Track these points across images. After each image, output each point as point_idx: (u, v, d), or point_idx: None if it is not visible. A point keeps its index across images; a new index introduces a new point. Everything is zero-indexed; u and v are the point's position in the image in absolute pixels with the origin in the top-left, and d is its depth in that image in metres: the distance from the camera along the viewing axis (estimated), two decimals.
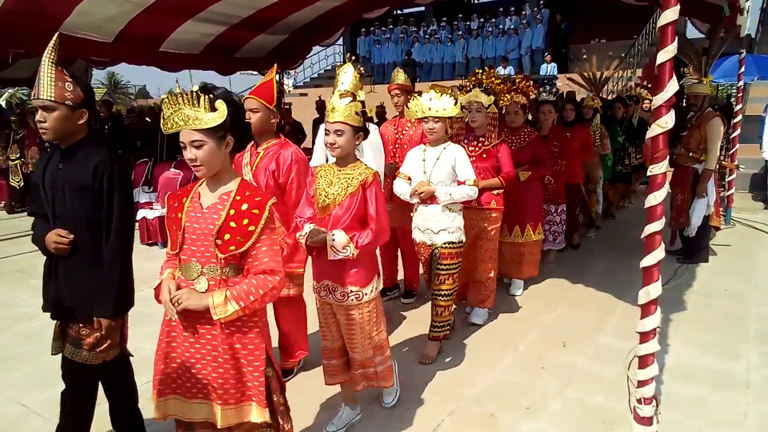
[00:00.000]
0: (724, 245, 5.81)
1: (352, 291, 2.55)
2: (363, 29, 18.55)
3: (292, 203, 2.91)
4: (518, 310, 4.32)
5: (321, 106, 10.32)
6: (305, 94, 17.01)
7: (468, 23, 17.49)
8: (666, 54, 2.42)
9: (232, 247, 1.89)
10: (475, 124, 3.85)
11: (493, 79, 3.93)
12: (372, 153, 3.62)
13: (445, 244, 3.33)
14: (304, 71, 20.71)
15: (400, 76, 4.21)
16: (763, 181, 8.19)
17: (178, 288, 1.94)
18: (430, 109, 3.21)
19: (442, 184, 3.29)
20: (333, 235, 2.48)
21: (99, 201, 2.19)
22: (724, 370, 3.32)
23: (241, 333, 1.97)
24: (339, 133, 2.49)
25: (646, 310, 2.62)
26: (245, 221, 1.89)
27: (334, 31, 8.34)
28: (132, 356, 2.52)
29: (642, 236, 2.60)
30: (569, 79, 8.28)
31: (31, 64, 9.30)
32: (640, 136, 7.34)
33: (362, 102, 2.54)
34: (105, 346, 2.28)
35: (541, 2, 16.25)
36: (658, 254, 2.56)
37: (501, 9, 17.41)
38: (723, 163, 6.33)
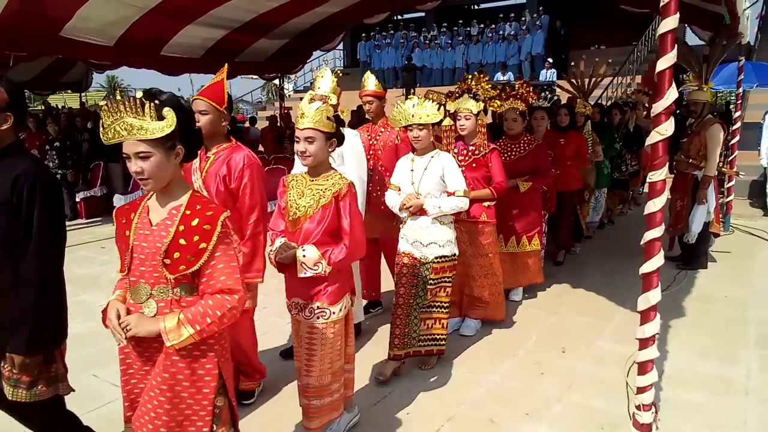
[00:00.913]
0: (723, 252, 5.81)
1: (318, 308, 2.40)
2: (363, 34, 18.61)
3: (245, 210, 2.75)
4: (517, 315, 4.32)
5: None
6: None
7: (468, 29, 17.54)
8: (666, 62, 2.43)
9: (183, 267, 1.72)
10: (464, 131, 3.72)
11: (482, 84, 3.80)
12: (354, 161, 3.48)
13: (436, 258, 3.19)
14: (304, 76, 20.73)
15: (370, 83, 3.99)
16: (762, 187, 8.21)
17: (129, 312, 1.78)
18: (413, 116, 3.08)
19: (431, 195, 3.17)
20: (303, 250, 2.34)
21: (18, 216, 1.91)
22: (724, 376, 3.32)
23: (192, 358, 1.77)
24: (309, 140, 2.33)
25: (645, 316, 2.62)
26: (196, 238, 1.72)
27: (334, 36, 8.38)
28: (72, 391, 2.15)
29: (641, 243, 2.61)
30: (558, 86, 8.30)
31: (32, 67, 9.34)
32: (636, 142, 7.34)
33: (334, 106, 2.40)
34: (34, 385, 1.99)
35: (541, 8, 16.32)
36: (657, 261, 2.56)
37: (501, 15, 17.47)
38: (722, 169, 6.34)
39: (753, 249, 6.11)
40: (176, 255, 1.73)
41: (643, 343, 2.64)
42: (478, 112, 3.68)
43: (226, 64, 2.86)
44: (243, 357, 3.01)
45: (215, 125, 2.73)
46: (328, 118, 2.34)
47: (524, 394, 3.16)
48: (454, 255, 3.27)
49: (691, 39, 7.01)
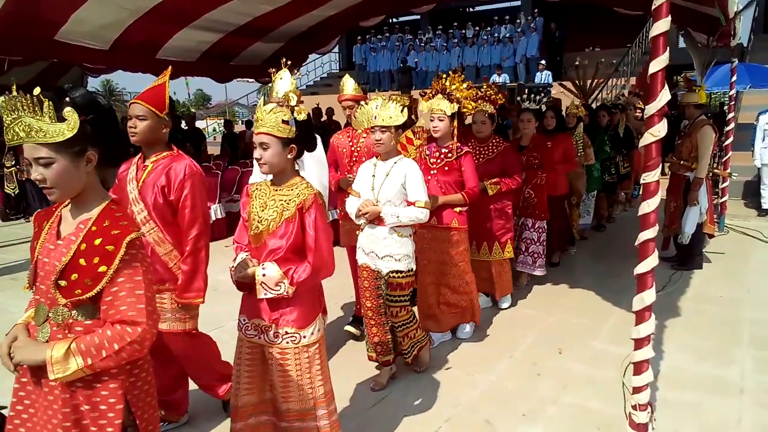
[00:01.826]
0: (717, 252, 5.84)
1: (287, 333, 2.16)
2: (359, 37, 18.62)
3: (185, 224, 2.54)
4: (513, 317, 4.33)
5: (316, 113, 10.37)
6: (301, 102, 17.02)
7: (463, 31, 17.60)
8: (658, 64, 2.45)
9: (78, 291, 1.50)
10: (437, 133, 3.56)
11: (457, 85, 3.58)
12: (315, 167, 3.20)
13: (391, 273, 3.02)
14: (300, 79, 20.74)
15: (348, 86, 3.85)
16: (757, 188, 8.26)
17: (29, 336, 1.59)
18: (375, 117, 2.93)
19: (391, 203, 2.98)
20: (264, 269, 2.11)
21: None
22: (719, 376, 3.34)
23: (90, 389, 1.54)
24: (264, 146, 2.12)
25: (640, 316, 2.64)
26: (96, 260, 1.50)
27: (330, 39, 8.40)
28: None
29: (636, 243, 2.62)
30: (561, 84, 8.33)
31: (27, 71, 9.31)
32: (626, 144, 7.30)
33: (292, 108, 2.19)
34: None
35: (536, 11, 16.38)
36: (651, 261, 2.58)
37: (496, 17, 17.53)
38: (716, 171, 6.37)
39: (747, 249, 6.14)
40: (74, 277, 1.51)
41: (639, 344, 2.65)
42: (452, 114, 3.51)
43: (170, 67, 2.70)
44: (204, 379, 2.85)
45: (154, 132, 2.54)
46: (284, 121, 2.12)
47: (521, 395, 3.17)
48: (411, 271, 3.09)
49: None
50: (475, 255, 4.19)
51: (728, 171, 6.91)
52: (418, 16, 18.64)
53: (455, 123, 3.55)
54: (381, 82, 17.75)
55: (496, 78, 14.32)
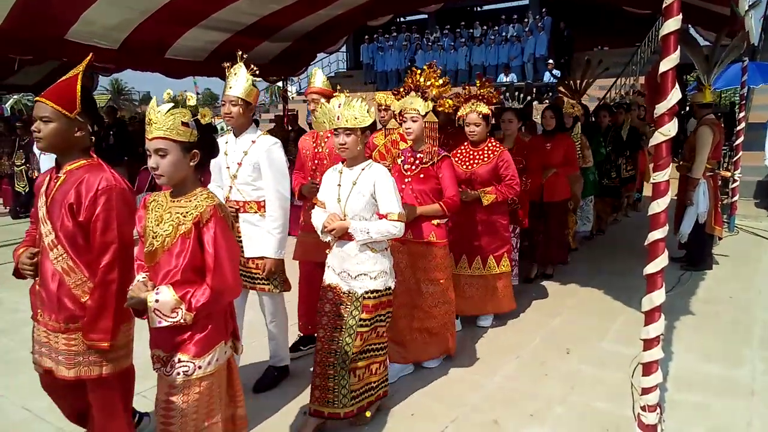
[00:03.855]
0: (727, 253, 5.79)
1: (181, 361, 1.92)
2: (366, 36, 18.62)
3: (95, 251, 2.11)
4: (520, 317, 4.31)
5: None
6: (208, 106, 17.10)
7: (471, 31, 17.55)
8: (668, 63, 2.43)
9: None
10: (410, 135, 3.21)
11: (432, 80, 3.24)
12: (272, 175, 2.93)
13: (367, 294, 2.65)
14: (307, 78, 20.79)
15: (317, 79, 3.47)
16: (767, 188, 8.18)
17: None
18: (338, 118, 2.57)
19: (360, 216, 2.63)
20: (157, 294, 1.86)
21: None
22: (729, 377, 3.31)
23: None
24: (161, 153, 1.86)
25: (650, 317, 2.62)
26: None
27: (338, 38, 8.40)
28: None
29: (645, 243, 2.61)
30: (556, 87, 8.22)
31: (38, 71, 9.39)
32: (631, 146, 6.90)
33: (193, 108, 1.93)
34: None
35: (544, 10, 16.31)
36: (661, 261, 2.56)
37: (503, 17, 17.48)
38: (720, 171, 6.29)
39: (758, 250, 6.09)
40: None
41: (648, 344, 2.64)
42: (426, 113, 3.16)
43: (91, 54, 2.35)
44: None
45: (64, 136, 2.13)
46: (183, 123, 1.87)
47: (528, 395, 3.16)
48: (389, 289, 2.74)
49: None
50: (467, 271, 3.90)
51: (730, 171, 6.83)
52: (426, 16, 18.60)
53: (430, 123, 3.18)
54: (388, 81, 17.74)
55: (503, 78, 14.27)
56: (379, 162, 3.56)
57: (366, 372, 2.75)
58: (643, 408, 2.67)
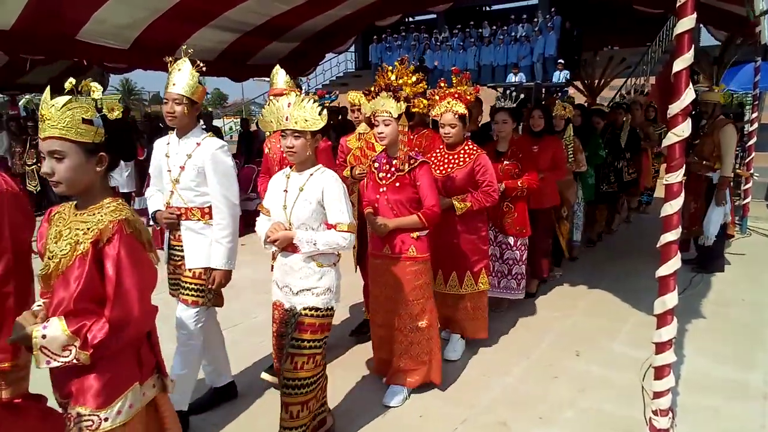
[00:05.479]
0: (739, 254, 5.74)
1: (80, 415, 1.59)
2: (375, 36, 18.63)
3: None
4: (530, 318, 4.29)
5: (331, 111, 10.37)
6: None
7: (480, 30, 17.51)
8: (682, 62, 2.41)
9: None
10: (383, 140, 2.90)
11: (405, 78, 2.96)
12: (218, 181, 2.68)
13: (306, 310, 2.39)
14: (316, 78, 20.80)
15: (279, 79, 3.24)
16: None
17: None
18: (287, 119, 2.34)
19: (306, 226, 2.39)
20: (44, 328, 1.53)
21: None
22: (741, 381, 3.27)
23: None
24: (57, 156, 1.56)
25: (662, 320, 2.59)
26: None
27: (346, 38, 8.41)
28: None
29: (657, 245, 2.58)
30: (571, 84, 8.18)
31: (50, 70, 9.46)
32: (631, 148, 6.55)
33: (95, 102, 1.63)
34: None
35: (553, 10, 16.24)
36: (674, 264, 2.54)
37: (512, 16, 17.42)
38: (737, 171, 6.24)
39: None
40: None
41: (660, 347, 2.61)
42: (399, 115, 2.87)
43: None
44: None
45: None
46: (85, 120, 1.57)
47: (537, 397, 3.14)
48: (330, 310, 2.47)
49: (706, 39, 6.91)
50: (442, 288, 3.50)
51: (750, 171, 6.78)
52: (435, 15, 18.60)
53: (403, 126, 2.92)
54: None
55: (512, 78, 14.22)
56: (354, 166, 3.46)
57: (303, 409, 2.42)
58: (654, 412, 2.64)
